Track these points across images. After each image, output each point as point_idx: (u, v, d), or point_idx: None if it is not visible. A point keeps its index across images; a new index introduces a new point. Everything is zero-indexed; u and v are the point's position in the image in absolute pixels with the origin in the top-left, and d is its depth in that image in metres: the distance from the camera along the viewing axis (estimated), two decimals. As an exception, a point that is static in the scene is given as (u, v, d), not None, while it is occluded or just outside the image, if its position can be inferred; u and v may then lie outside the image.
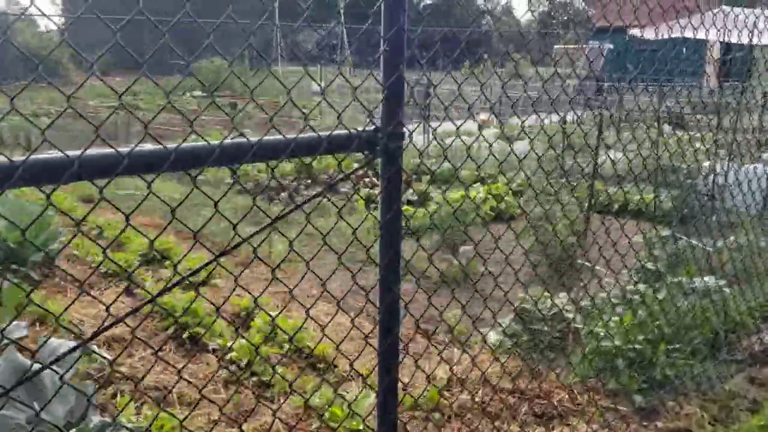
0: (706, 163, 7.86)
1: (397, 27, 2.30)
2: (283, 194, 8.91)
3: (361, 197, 8.91)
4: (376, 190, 9.24)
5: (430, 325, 5.12)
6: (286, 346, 4.32)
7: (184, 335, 4.48)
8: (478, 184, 9.50)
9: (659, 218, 7.30)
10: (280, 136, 2.09)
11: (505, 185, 8.72)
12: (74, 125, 14.58)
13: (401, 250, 2.54)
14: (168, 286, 2.17)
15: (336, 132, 2.25)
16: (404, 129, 2.45)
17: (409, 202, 8.97)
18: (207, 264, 2.34)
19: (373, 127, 2.38)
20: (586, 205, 4.39)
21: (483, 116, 17.61)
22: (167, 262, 5.88)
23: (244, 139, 2.00)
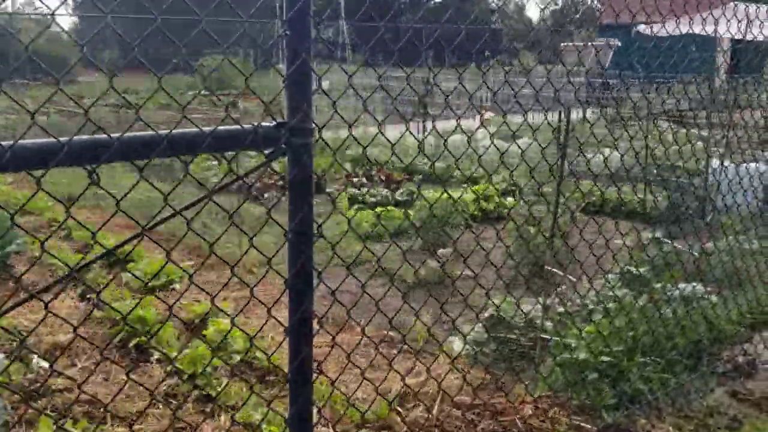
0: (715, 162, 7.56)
1: (298, 7, 2.06)
2: (266, 194, 8.68)
3: (348, 196, 8.65)
4: (364, 189, 8.99)
5: (394, 330, 4.86)
6: (236, 356, 4.08)
7: (131, 344, 4.25)
8: (468, 183, 9.23)
9: (653, 219, 7.01)
10: (150, 132, 1.85)
11: (493, 185, 8.46)
12: (66, 124, 14.47)
13: (313, 258, 2.29)
14: (87, 261, 1.96)
15: (224, 127, 2.00)
16: (313, 124, 2.20)
17: (398, 203, 8.72)
18: (128, 240, 2.12)
19: (275, 121, 2.14)
20: (554, 204, 4.11)
21: (485, 114, 17.35)
22: (130, 265, 5.66)
23: (104, 136, 1.76)
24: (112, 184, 8.68)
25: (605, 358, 3.93)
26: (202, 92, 22.44)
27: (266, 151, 2.16)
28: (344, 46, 22.38)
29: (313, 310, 2.27)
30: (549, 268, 4.30)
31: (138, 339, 4.21)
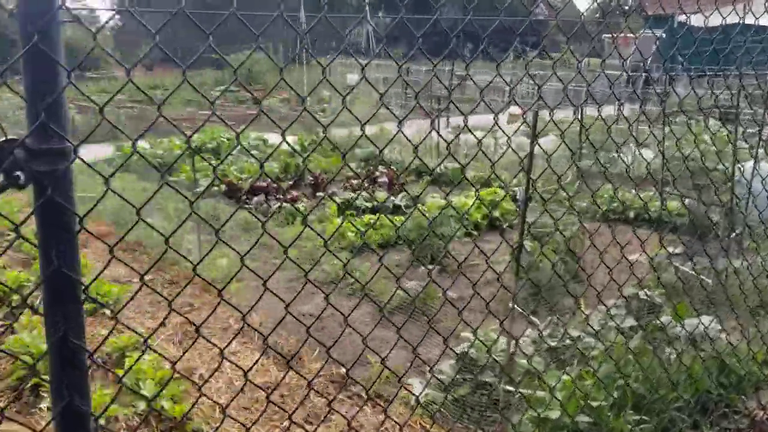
0: (748, 164, 6.63)
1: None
2: (255, 198, 8.03)
3: (341, 201, 7.91)
4: (360, 194, 8.29)
5: (356, 368, 4.17)
6: (141, 405, 3.43)
7: (28, 384, 3.64)
8: (480, 187, 8.44)
9: (678, 229, 6.16)
10: None
11: (501, 188, 7.68)
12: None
13: (83, 325, 1.62)
14: None
15: None
16: (67, 142, 1.52)
17: (396, 208, 7.99)
18: None
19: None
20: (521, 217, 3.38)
21: (513, 110, 16.47)
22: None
23: None
24: (94, 188, 8.19)
25: (584, 418, 3.17)
26: (234, 89, 22.06)
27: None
28: (368, 37, 21.70)
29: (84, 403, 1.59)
30: (513, 305, 3.53)
31: (33, 380, 3.60)
